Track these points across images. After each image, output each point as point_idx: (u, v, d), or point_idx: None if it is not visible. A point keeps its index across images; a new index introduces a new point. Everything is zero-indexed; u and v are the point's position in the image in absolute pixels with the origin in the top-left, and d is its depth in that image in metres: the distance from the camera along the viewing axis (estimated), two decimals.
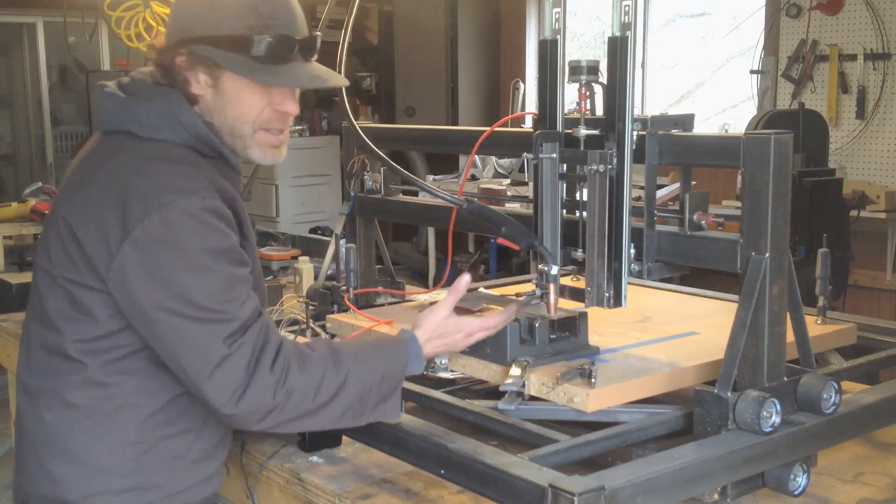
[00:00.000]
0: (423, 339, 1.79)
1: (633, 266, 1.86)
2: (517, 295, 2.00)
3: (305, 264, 3.15)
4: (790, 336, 1.76)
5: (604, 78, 1.86)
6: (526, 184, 6.10)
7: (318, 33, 1.80)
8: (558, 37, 1.93)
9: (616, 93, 1.82)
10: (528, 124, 2.11)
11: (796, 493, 1.66)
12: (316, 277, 2.73)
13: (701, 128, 4.95)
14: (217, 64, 1.71)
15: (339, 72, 2.12)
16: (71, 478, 1.71)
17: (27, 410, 1.77)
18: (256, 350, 1.60)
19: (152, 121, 1.72)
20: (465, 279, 1.86)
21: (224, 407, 1.59)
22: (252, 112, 1.75)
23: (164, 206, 1.60)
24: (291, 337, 2.37)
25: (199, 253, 1.60)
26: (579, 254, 1.94)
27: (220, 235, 1.64)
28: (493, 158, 6.99)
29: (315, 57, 1.80)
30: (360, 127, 2.11)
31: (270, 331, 1.65)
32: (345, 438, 1.96)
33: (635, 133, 1.82)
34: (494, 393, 1.88)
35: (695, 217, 1.79)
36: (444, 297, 1.85)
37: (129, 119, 1.74)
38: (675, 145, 1.83)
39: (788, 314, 1.73)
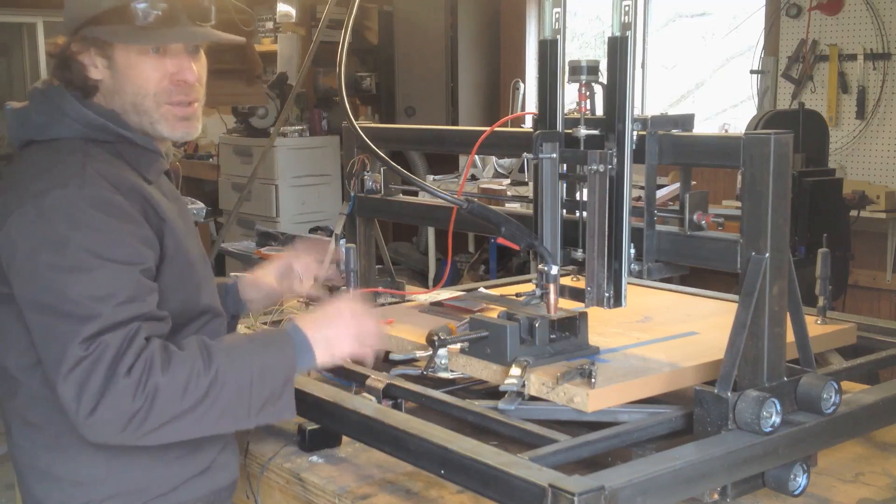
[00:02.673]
0: (305, 324, 1.68)
1: (633, 266, 1.86)
2: (517, 295, 2.00)
3: None
4: (790, 336, 1.76)
5: (604, 78, 1.86)
6: (526, 184, 6.10)
7: None
8: (558, 37, 1.93)
9: (616, 93, 1.82)
10: (528, 124, 2.11)
11: (796, 493, 1.66)
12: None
13: (701, 128, 4.94)
14: (106, 41, 1.69)
15: (339, 71, 2.13)
16: (50, 496, 1.69)
17: (6, 433, 1.75)
18: (118, 355, 1.50)
19: (42, 122, 1.71)
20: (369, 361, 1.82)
21: (76, 413, 1.49)
22: (149, 83, 1.71)
23: (39, 195, 1.56)
24: None
25: (74, 245, 1.53)
26: (579, 254, 1.94)
27: (101, 226, 1.56)
28: (493, 158, 6.99)
29: (210, 23, 1.76)
30: (360, 127, 2.11)
31: (139, 333, 1.54)
32: (345, 438, 1.96)
33: (635, 133, 1.82)
34: (494, 393, 1.88)
35: (695, 217, 1.79)
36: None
37: (25, 127, 1.73)
38: (675, 145, 1.83)
39: (788, 314, 1.73)
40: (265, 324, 2.50)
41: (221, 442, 1.79)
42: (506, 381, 1.80)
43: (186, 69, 1.73)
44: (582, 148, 1.90)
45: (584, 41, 7.72)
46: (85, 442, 1.64)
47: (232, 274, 2.16)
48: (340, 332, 1.70)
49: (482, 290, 2.51)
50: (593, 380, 1.75)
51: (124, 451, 1.66)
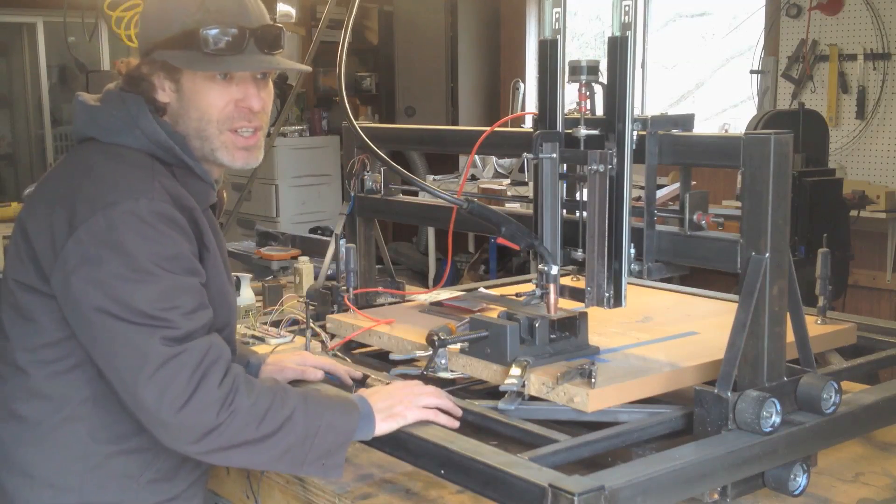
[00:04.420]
0: (369, 395, 1.75)
1: (633, 266, 1.86)
2: (517, 295, 2.00)
3: (305, 264, 3.16)
4: (790, 336, 1.76)
5: (604, 78, 1.86)
6: (526, 184, 6.11)
7: (280, 25, 1.78)
8: (558, 37, 1.93)
9: (616, 93, 1.82)
10: (528, 124, 2.11)
11: (796, 493, 1.66)
12: (316, 277, 2.73)
13: (701, 128, 4.94)
14: (174, 66, 1.71)
15: (339, 71, 2.13)
16: (19, 492, 1.69)
17: None
18: (204, 362, 1.54)
19: (112, 125, 1.72)
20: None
21: (161, 412, 1.51)
22: (213, 110, 1.72)
23: (109, 206, 1.58)
24: (290, 337, 2.38)
25: (142, 256, 1.56)
26: (579, 254, 1.94)
27: (166, 240, 1.60)
28: (493, 158, 6.99)
29: (279, 51, 1.77)
30: (360, 127, 2.11)
31: (223, 349, 1.59)
32: None
33: (635, 133, 1.82)
34: (494, 393, 1.87)
35: (695, 217, 1.79)
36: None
37: (92, 125, 1.74)
38: (675, 145, 1.83)
39: (788, 314, 1.73)
40: (265, 324, 2.50)
41: (195, 475, 1.81)
42: (506, 381, 1.79)
43: (252, 96, 1.74)
44: (582, 148, 1.90)
45: (584, 41, 7.73)
46: (68, 447, 1.67)
47: (261, 354, 2.15)
48: (402, 401, 1.75)
49: (482, 290, 2.51)
50: (593, 380, 1.75)
51: (103, 465, 1.68)
